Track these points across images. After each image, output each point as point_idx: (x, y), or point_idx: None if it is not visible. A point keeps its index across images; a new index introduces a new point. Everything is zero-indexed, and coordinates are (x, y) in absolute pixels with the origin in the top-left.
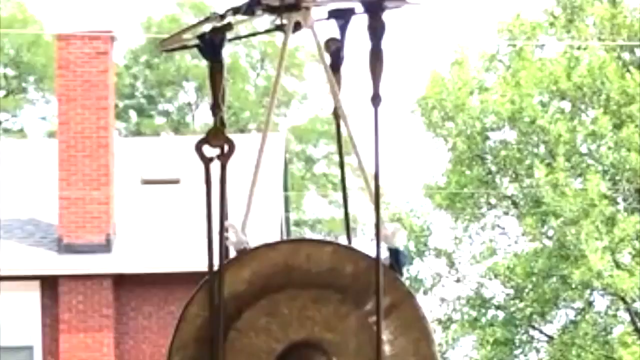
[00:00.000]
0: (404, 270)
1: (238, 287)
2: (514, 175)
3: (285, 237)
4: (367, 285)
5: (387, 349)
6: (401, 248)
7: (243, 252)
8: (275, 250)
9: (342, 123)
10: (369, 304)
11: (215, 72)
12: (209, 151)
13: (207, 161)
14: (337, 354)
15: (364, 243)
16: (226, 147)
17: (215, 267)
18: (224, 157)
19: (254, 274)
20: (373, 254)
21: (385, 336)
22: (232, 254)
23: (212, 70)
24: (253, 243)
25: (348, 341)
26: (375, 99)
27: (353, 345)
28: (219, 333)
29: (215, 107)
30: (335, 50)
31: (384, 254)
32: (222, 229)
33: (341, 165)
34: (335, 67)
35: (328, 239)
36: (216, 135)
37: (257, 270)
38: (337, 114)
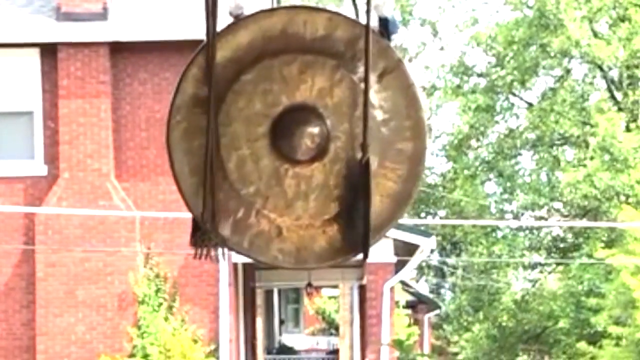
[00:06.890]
0: (392, 38)
1: (236, 52)
2: None
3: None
4: (360, 52)
5: (378, 113)
6: (389, 17)
7: (241, 18)
8: (273, 16)
9: None
10: (361, 71)
11: None
12: None
13: None
14: (330, 118)
15: (352, 12)
16: None
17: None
18: None
19: (252, 39)
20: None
21: (376, 101)
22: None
23: None
24: (247, 12)
25: (342, 105)
26: None
27: (346, 110)
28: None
29: None
30: None
31: (374, 23)
32: None
33: None
34: None
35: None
36: None
37: (255, 35)
38: None
